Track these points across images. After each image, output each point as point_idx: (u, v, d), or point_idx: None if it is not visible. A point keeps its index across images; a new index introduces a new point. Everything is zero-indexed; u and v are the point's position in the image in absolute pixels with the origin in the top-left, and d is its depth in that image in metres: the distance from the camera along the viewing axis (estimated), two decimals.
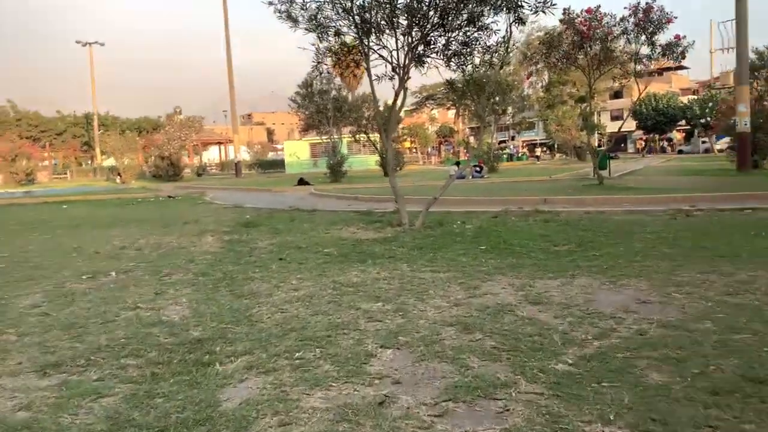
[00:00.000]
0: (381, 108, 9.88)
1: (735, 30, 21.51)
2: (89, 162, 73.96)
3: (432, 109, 69.51)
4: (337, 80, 29.97)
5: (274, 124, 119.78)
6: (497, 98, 31.61)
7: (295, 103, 29.95)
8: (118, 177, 42.30)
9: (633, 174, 25.15)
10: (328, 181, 29.11)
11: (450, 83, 10.43)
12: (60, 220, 13.89)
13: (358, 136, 33.42)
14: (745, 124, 20.68)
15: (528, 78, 19.76)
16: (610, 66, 16.63)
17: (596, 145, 57.13)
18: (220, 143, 71.14)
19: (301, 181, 27.49)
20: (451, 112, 77.97)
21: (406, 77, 9.78)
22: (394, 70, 9.96)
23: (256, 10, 77.30)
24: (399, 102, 10.01)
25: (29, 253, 8.76)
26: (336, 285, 5.87)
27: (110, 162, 49.82)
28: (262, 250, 8.22)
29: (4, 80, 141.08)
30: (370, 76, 9.83)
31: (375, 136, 35.56)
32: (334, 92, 29.15)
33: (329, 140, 33.74)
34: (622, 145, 76.42)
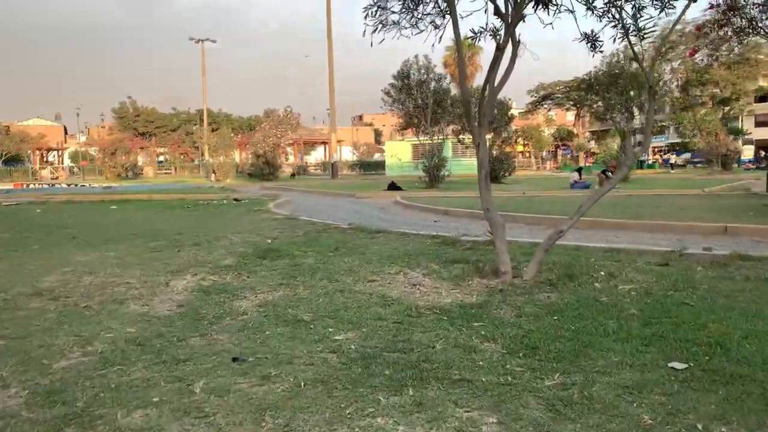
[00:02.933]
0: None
1: None
2: (201, 158, 74.75)
3: (549, 110, 63.69)
4: (438, 69, 25.84)
5: (384, 125, 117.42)
6: (632, 93, 26.27)
7: (389, 97, 26.21)
8: (213, 175, 40.67)
9: None
10: (423, 186, 25.19)
11: (591, 40, 6.17)
12: (72, 228, 11.02)
13: (461, 136, 29.21)
14: None
15: (692, 54, 14.89)
16: None
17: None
18: (325, 143, 69.15)
19: (392, 186, 23.78)
20: (571, 114, 71.59)
21: (516, 21, 5.69)
22: (497, 13, 5.90)
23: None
24: (503, 68, 5.92)
25: None
26: None
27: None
28: (232, 323, 4.48)
29: (128, 79, 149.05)
30: (454, 17, 5.83)
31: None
32: (433, 84, 25.14)
33: (431, 141, 29.89)
34: None
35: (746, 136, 62.35)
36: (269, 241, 8.35)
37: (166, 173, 58.92)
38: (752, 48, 51.22)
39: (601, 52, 6.64)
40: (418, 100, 25.28)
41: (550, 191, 21.69)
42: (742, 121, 64.83)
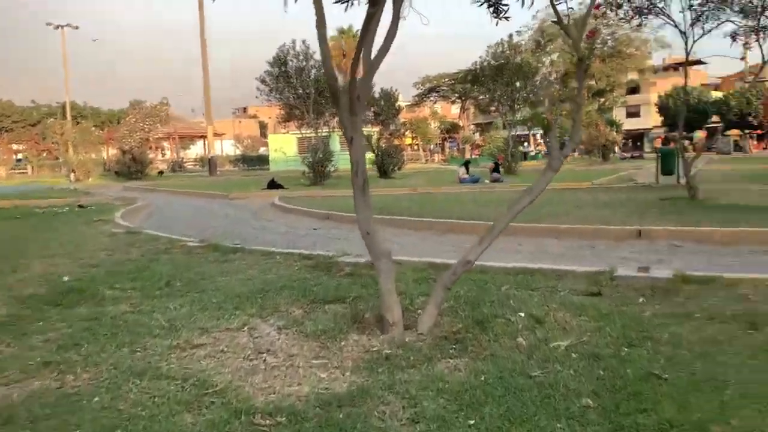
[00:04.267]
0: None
1: None
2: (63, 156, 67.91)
3: (435, 102, 63.61)
4: (319, 56, 23.76)
5: (270, 118, 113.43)
6: (517, 84, 25.76)
7: (265, 85, 23.93)
8: (72, 174, 36.36)
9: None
10: (308, 183, 23.27)
11: (494, 3, 4.64)
12: None
13: None
14: None
15: (591, 36, 14.10)
16: (721, 19, 10.75)
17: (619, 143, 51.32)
18: (204, 137, 65.03)
19: (272, 184, 21.68)
20: (456, 107, 72.01)
21: None
22: None
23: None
24: (380, 30, 4.22)
25: None
26: None
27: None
28: None
29: None
30: None
31: (370, 130, 29.76)
32: (314, 71, 23.16)
33: (315, 134, 28.10)
34: (638, 143, 70.66)
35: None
36: (66, 278, 6.12)
37: (21, 173, 52.75)
38: (623, 42, 53.70)
39: (507, 19, 5.11)
40: (298, 89, 23.24)
41: (442, 186, 20.55)
42: (614, 112, 68.04)
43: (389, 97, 25.40)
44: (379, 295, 4.03)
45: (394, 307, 3.94)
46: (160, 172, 39.78)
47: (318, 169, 22.94)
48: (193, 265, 6.63)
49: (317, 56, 23.25)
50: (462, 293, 4.82)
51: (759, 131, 53.38)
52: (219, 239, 8.32)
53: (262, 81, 23.96)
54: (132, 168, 35.83)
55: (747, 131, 52.06)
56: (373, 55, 4.25)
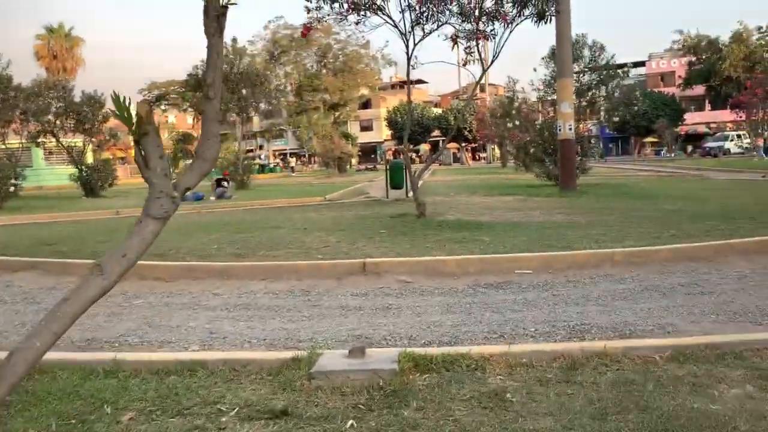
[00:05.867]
0: None
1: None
2: None
3: (165, 111, 58.70)
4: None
5: None
6: (244, 92, 23.74)
7: None
8: None
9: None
10: None
11: None
12: None
13: (41, 139, 22.84)
14: (570, 129, 15.93)
15: (305, 33, 12.47)
16: (441, 21, 9.87)
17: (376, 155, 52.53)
18: None
19: None
20: (191, 117, 67.58)
21: None
22: None
23: None
24: None
25: None
26: None
27: None
28: None
29: None
30: None
31: (72, 141, 25.11)
32: None
33: (4, 145, 22.86)
34: (372, 156, 74.09)
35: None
36: None
37: None
38: (354, 58, 55.33)
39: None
40: None
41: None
42: (349, 125, 70.26)
43: (94, 102, 21.34)
44: None
45: None
46: None
47: None
48: None
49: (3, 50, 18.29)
50: None
51: (473, 144, 59.13)
52: None
53: None
54: None
55: (464, 144, 57.25)
56: None
